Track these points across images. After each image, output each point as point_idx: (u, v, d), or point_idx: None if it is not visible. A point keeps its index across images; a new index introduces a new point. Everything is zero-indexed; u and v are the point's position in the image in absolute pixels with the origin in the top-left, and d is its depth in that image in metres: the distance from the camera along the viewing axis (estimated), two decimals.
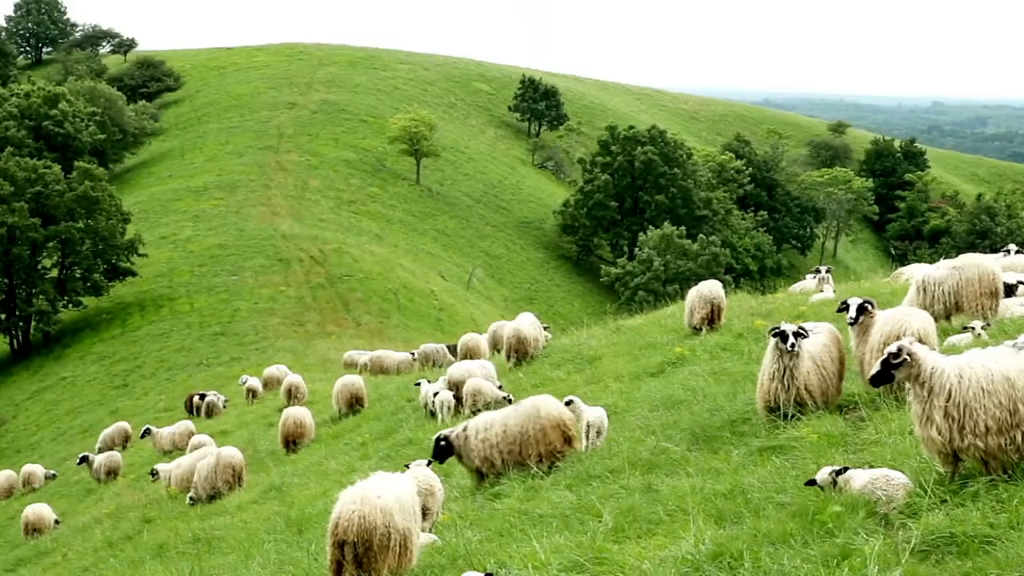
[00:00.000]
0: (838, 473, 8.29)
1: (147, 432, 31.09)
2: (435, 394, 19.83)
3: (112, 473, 28.72)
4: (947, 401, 7.89)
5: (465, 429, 13.06)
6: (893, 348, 8.31)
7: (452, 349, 29.36)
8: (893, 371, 8.24)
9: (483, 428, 12.84)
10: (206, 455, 21.36)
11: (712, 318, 19.23)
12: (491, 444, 12.65)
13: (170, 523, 18.88)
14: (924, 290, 14.37)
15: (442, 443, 13.03)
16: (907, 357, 8.15)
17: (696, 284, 20.41)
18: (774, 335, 11.43)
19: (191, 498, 20.35)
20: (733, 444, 10.65)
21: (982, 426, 7.72)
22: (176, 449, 29.22)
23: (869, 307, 11.74)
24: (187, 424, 30.60)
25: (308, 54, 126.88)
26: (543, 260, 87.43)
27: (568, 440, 12.51)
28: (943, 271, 14.51)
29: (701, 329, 19.17)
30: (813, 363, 11.37)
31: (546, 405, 12.75)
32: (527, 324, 22.89)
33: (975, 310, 13.92)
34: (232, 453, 20.46)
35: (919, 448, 8.82)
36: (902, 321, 11.39)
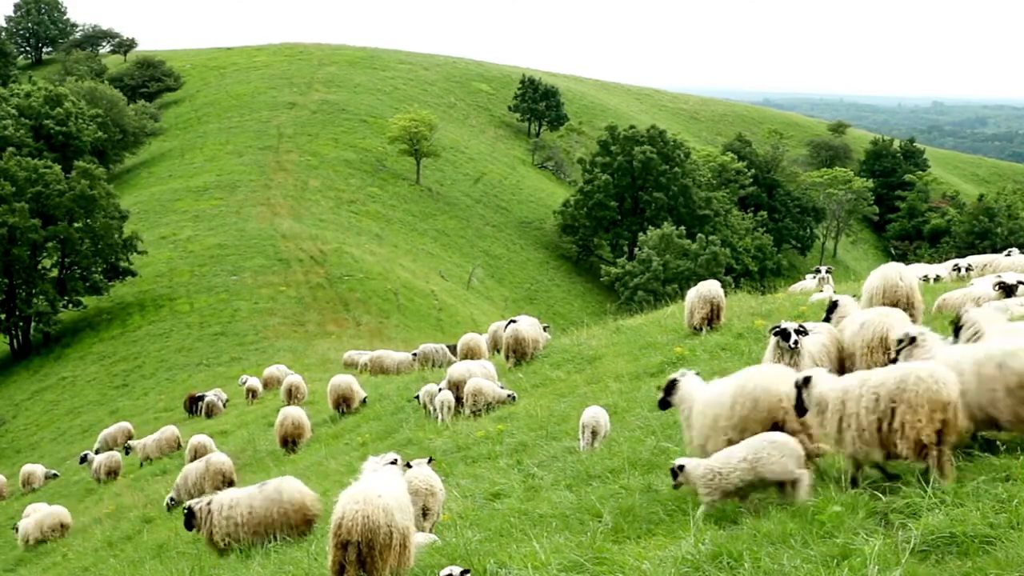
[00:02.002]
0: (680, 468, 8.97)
1: (129, 450, 30.87)
2: (439, 390, 19.83)
3: (112, 473, 28.72)
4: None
5: (210, 503, 13.67)
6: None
7: (452, 349, 29.34)
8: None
9: (227, 506, 13.43)
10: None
11: (712, 318, 19.22)
12: (236, 523, 13.30)
13: (170, 523, 18.86)
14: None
15: (186, 512, 13.82)
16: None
17: (696, 284, 20.41)
18: (775, 334, 11.44)
19: (171, 498, 20.26)
20: None
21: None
22: (163, 455, 29.00)
23: (802, 332, 11.82)
24: (171, 430, 30.14)
25: (308, 54, 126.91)
26: (543, 260, 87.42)
27: (309, 522, 13.26)
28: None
29: (701, 329, 19.15)
30: (813, 362, 11.41)
31: (288, 489, 13.37)
32: (526, 325, 22.86)
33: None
34: (222, 459, 20.46)
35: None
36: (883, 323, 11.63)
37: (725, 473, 8.76)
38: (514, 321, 23.06)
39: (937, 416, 8.19)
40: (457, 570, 7.80)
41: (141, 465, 29.28)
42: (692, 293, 19.81)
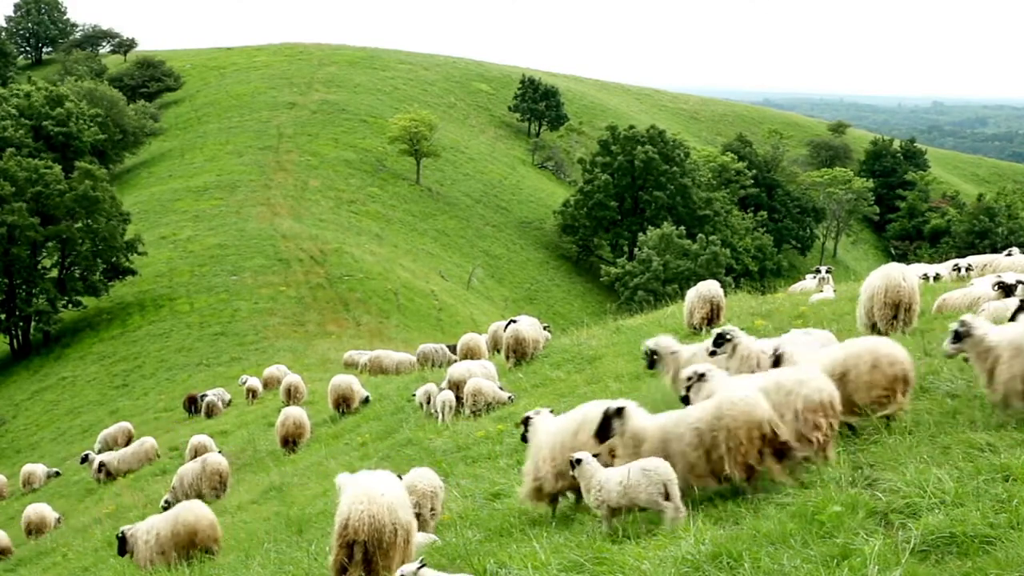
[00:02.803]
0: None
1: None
2: (439, 390, 19.89)
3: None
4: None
5: (135, 530, 14.79)
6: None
7: (452, 349, 29.35)
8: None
9: (145, 532, 14.54)
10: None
11: (712, 318, 19.27)
12: (151, 547, 14.33)
13: None
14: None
15: (119, 537, 14.92)
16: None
17: (696, 284, 20.53)
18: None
19: (166, 501, 20.24)
20: None
21: None
22: (131, 471, 28.35)
23: (729, 336, 12.21)
24: (150, 441, 29.55)
25: (308, 54, 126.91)
26: (543, 260, 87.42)
27: (203, 546, 14.08)
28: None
29: (701, 329, 19.19)
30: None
31: (184, 513, 14.27)
32: (526, 325, 22.86)
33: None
34: (218, 459, 20.48)
35: (919, 448, 8.85)
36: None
37: (607, 491, 9.19)
38: (514, 321, 23.07)
39: (755, 434, 8.91)
40: (410, 569, 7.91)
41: (105, 480, 28.53)
42: (692, 293, 19.95)
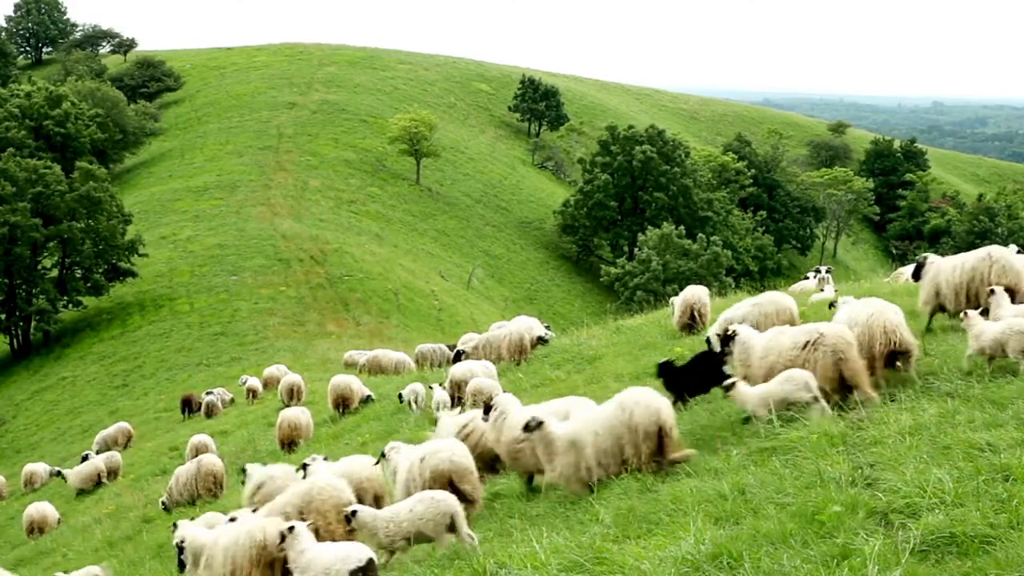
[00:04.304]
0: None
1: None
2: (430, 388, 20.15)
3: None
4: None
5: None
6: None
7: (452, 349, 29.31)
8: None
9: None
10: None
11: (693, 322, 19.71)
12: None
13: (170, 523, 18.85)
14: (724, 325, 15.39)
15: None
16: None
17: (695, 284, 20.83)
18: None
19: (163, 502, 20.23)
20: (733, 444, 10.63)
21: None
22: (94, 485, 28.04)
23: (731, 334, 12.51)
24: (115, 456, 29.28)
25: (308, 54, 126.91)
26: (543, 260, 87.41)
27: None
28: (743, 309, 15.78)
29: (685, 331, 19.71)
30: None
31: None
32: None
33: None
34: (213, 460, 20.48)
35: (919, 449, 8.84)
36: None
37: (398, 522, 9.98)
38: (463, 353, 22.56)
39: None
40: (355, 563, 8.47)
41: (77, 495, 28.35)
42: (677, 298, 20.52)
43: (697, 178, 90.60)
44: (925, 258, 14.67)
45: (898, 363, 11.47)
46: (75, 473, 28.89)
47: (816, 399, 10.57)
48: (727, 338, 12.42)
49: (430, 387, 20.42)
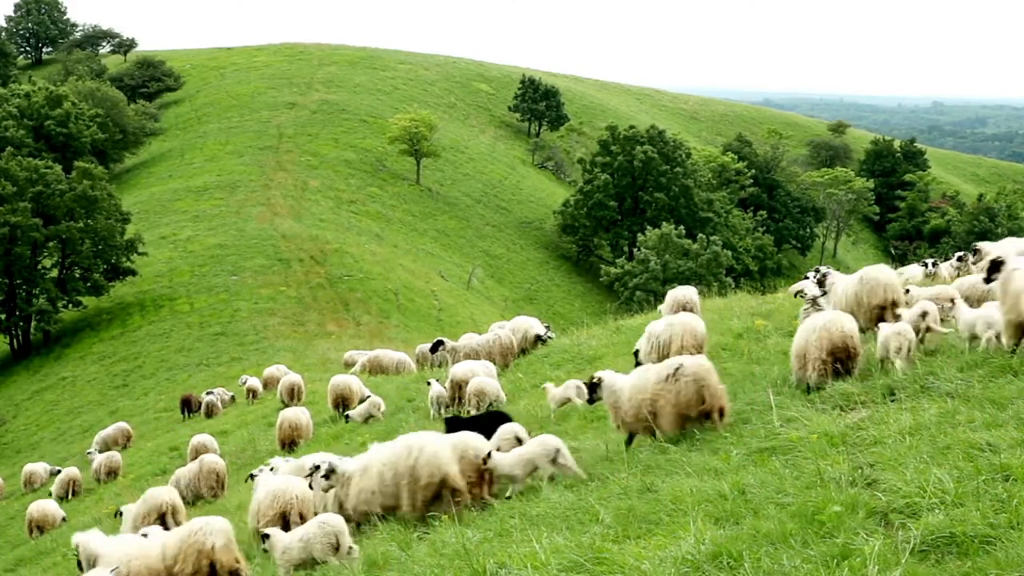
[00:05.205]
0: None
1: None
2: (428, 384, 20.25)
3: (112, 473, 28.69)
4: None
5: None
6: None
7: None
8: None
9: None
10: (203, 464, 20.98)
11: None
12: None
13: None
14: (648, 339, 15.96)
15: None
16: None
17: (695, 284, 20.74)
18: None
19: None
20: (733, 444, 10.64)
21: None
22: (66, 493, 28.01)
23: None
24: (73, 471, 29.19)
25: (308, 54, 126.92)
26: (543, 260, 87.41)
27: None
28: (661, 325, 16.11)
29: None
30: None
31: None
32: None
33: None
34: (214, 460, 20.45)
35: (919, 449, 8.85)
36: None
37: (290, 548, 10.84)
38: (441, 343, 23.99)
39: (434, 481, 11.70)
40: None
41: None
42: (666, 297, 20.41)
43: (697, 178, 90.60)
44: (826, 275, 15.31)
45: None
46: (57, 481, 28.87)
47: (555, 463, 11.57)
48: (592, 386, 12.76)
49: (428, 383, 20.45)
